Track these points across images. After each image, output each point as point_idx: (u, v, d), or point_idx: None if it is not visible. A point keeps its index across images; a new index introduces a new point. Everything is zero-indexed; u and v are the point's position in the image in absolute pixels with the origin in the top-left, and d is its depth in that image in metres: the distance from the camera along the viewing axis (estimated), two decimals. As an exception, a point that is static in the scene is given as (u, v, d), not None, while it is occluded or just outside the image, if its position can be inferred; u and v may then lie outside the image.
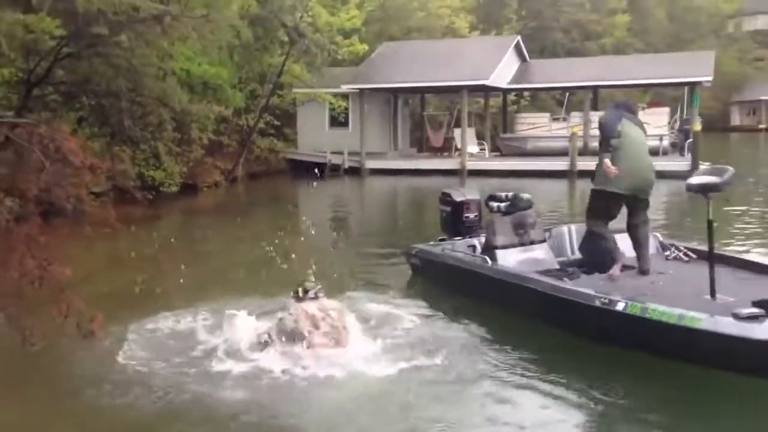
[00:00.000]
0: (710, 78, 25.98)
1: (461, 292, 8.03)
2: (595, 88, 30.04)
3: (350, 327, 6.45)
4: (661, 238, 8.03)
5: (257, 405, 5.30)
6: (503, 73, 28.17)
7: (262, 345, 6.17)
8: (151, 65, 16.75)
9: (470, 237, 8.88)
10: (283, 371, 5.78)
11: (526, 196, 8.67)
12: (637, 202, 7.12)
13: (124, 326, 6.96)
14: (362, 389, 5.55)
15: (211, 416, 5.17)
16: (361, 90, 27.28)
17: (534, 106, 40.28)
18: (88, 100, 16.30)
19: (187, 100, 17.72)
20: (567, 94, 33.89)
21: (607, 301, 6.07)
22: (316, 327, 6.09)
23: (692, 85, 26.63)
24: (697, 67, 26.79)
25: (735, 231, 11.14)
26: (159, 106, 16.38)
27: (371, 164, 26.81)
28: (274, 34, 24.15)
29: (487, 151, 28.90)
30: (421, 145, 31.48)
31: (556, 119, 30.14)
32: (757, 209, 14.70)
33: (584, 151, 25.80)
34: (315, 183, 22.21)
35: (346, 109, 28.31)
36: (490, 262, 7.71)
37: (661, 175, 22.94)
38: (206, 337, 6.66)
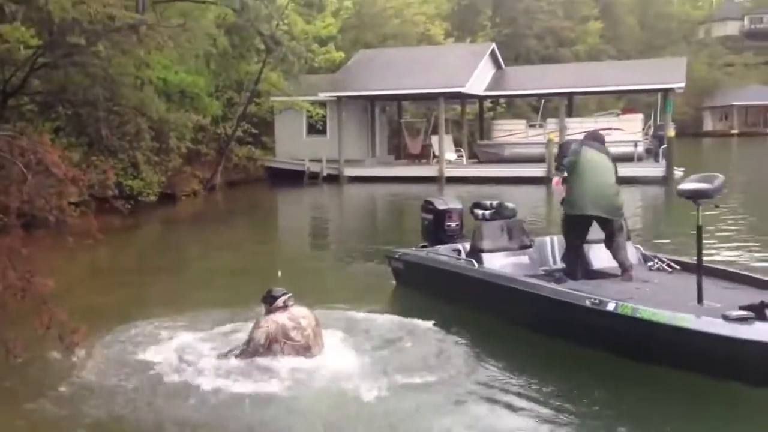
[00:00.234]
0: (683, 84, 26.39)
1: (446, 295, 8.07)
2: (570, 95, 30.36)
3: (325, 334, 6.39)
4: (643, 250, 8.00)
5: (224, 419, 5.22)
6: (479, 80, 28.39)
7: (234, 357, 6.09)
8: (127, 74, 16.71)
9: (453, 243, 8.93)
10: (254, 383, 5.67)
11: (510, 205, 8.77)
12: (604, 224, 7.20)
13: (103, 337, 6.91)
14: (337, 399, 5.47)
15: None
16: (339, 97, 27.34)
17: (510, 112, 40.64)
18: (64, 109, 16.22)
19: (165, 109, 17.70)
20: (543, 100, 34.22)
21: (597, 301, 6.08)
22: (287, 337, 6.02)
23: (665, 92, 27.01)
24: (669, 73, 27.20)
25: (711, 237, 11.41)
26: (136, 115, 16.35)
27: (349, 172, 26.86)
28: (251, 42, 24.16)
29: (464, 158, 29.08)
30: (398, 152, 31.58)
31: (532, 126, 30.41)
32: (731, 216, 14.92)
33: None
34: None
35: (324, 116, 28.34)
36: (476, 265, 7.76)
37: (636, 180, 23.58)
38: (178, 349, 6.52)
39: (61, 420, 5.36)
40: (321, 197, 24.05)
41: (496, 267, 7.70)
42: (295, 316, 6.10)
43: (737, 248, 11.33)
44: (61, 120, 16.89)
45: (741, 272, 7.01)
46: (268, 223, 18.79)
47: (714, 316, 5.40)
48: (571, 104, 31.36)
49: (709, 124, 73.93)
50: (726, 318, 5.28)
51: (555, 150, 25.04)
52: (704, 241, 6.02)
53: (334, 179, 26.61)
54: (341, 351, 6.30)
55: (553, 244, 8.46)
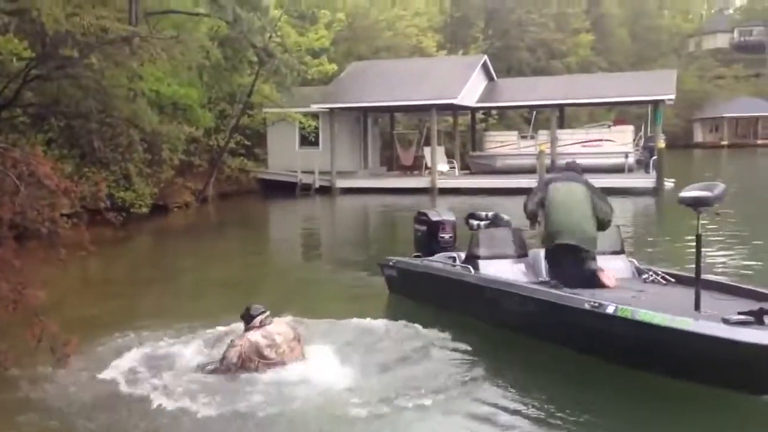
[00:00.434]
0: (673, 96, 26.60)
1: (442, 302, 8.08)
2: (561, 107, 30.54)
3: (311, 345, 6.37)
4: (637, 263, 7.93)
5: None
6: (471, 92, 28.54)
7: (208, 374, 6.08)
8: (120, 86, 16.75)
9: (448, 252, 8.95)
10: (226, 403, 5.54)
11: (505, 216, 8.82)
12: (577, 254, 7.10)
13: (93, 349, 6.87)
14: (311, 412, 5.38)
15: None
16: (331, 109, 27.43)
17: (502, 124, 40.82)
18: (57, 121, 16.24)
19: (157, 121, 17.72)
20: (534, 112, 34.39)
21: (596, 304, 6.09)
22: (261, 356, 6.01)
23: (655, 103, 27.21)
24: (659, 85, 27.41)
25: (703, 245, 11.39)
26: (129, 127, 16.37)
27: (342, 183, 26.92)
28: (244, 54, 24.26)
29: (456, 170, 29.18)
30: (391, 163, 31.68)
31: (524, 137, 30.55)
32: (721, 225, 15.01)
33: (552, 169, 26.16)
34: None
35: (316, 128, 28.42)
36: (473, 271, 7.78)
37: (627, 191, 23.63)
38: (155, 366, 6.42)
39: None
40: (313, 209, 24.07)
41: (492, 274, 7.66)
42: (270, 333, 6.09)
43: (727, 256, 11.45)
44: (53, 132, 16.90)
45: (736, 284, 6.99)
46: (260, 235, 18.79)
47: (713, 320, 5.41)
48: (562, 116, 31.55)
49: (699, 136, 74.38)
50: (726, 321, 5.30)
51: (547, 162, 25.40)
52: (693, 249, 6.04)
53: (326, 191, 26.65)
54: (324, 362, 6.21)
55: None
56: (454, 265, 8.24)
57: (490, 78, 31.52)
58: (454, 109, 30.11)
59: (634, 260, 8.05)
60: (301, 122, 27.86)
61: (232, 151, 26.60)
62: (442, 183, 26.04)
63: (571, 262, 7.12)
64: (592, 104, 34.70)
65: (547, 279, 7.55)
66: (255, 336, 6.07)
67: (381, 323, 7.62)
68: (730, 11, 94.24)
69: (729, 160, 49.75)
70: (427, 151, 28.01)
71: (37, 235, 6.33)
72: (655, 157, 25.10)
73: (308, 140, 28.57)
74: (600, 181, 21.45)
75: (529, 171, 25.60)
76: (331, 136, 27.39)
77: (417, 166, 28.88)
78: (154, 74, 19.05)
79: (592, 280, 6.98)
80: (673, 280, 7.32)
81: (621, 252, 7.96)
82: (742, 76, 79.28)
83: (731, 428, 5.39)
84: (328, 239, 17.81)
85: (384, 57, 36.84)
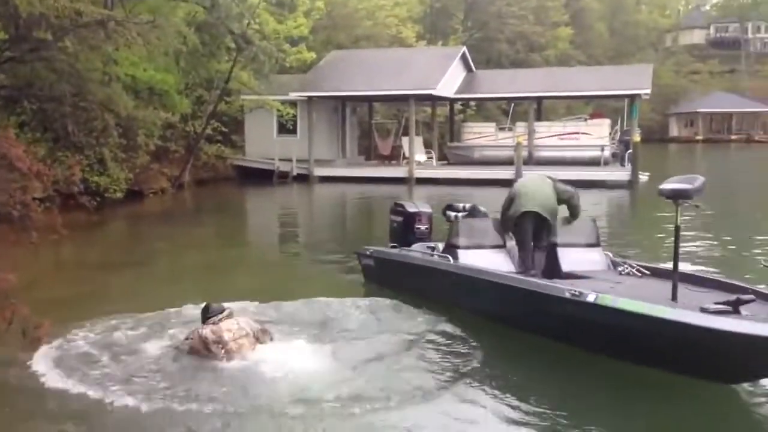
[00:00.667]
0: (648, 90, 26.81)
1: (420, 291, 8.10)
2: (539, 99, 30.72)
3: (270, 344, 6.38)
4: (612, 256, 8.02)
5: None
6: (450, 82, 28.56)
7: (161, 364, 6.12)
8: (95, 70, 16.53)
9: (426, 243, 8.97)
10: (164, 397, 5.47)
11: (482, 208, 8.86)
12: (541, 224, 7.73)
13: (63, 334, 6.78)
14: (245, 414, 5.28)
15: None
16: (310, 98, 27.31)
17: (480, 115, 40.90)
18: (30, 104, 15.99)
19: (133, 106, 17.51)
20: (512, 104, 34.53)
21: (577, 293, 6.14)
22: (208, 351, 6.11)
23: (632, 97, 27.42)
24: (636, 79, 27.63)
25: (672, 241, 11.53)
26: (104, 111, 16.16)
27: (320, 171, 26.85)
28: (222, 40, 24.00)
29: (434, 160, 29.22)
30: (369, 153, 31.63)
31: (501, 129, 30.66)
32: (695, 217, 15.20)
33: (529, 161, 26.35)
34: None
35: (294, 116, 28.28)
36: (452, 260, 7.80)
37: (602, 184, 23.79)
38: (117, 355, 6.37)
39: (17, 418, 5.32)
40: (290, 197, 24.00)
41: (471, 263, 7.70)
42: (219, 329, 6.20)
43: (699, 248, 11.61)
44: (26, 115, 16.63)
45: (710, 276, 7.11)
46: (236, 222, 18.71)
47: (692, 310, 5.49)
48: (540, 108, 31.70)
49: (674, 130, 75.18)
50: (705, 311, 5.39)
51: (524, 154, 25.55)
52: (666, 242, 6.11)
53: (303, 179, 26.58)
54: (279, 357, 6.12)
55: None
56: (434, 254, 8.27)
57: (468, 69, 31.55)
58: (433, 100, 30.12)
59: (609, 253, 8.13)
60: (279, 110, 27.70)
61: (209, 137, 26.39)
62: (420, 173, 26.07)
63: (534, 231, 7.72)
64: (569, 97, 34.89)
65: (520, 268, 7.65)
66: (205, 331, 6.22)
67: (354, 312, 7.63)
68: (707, 7, 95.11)
69: (703, 154, 50.34)
70: (405, 141, 28.01)
71: (8, 218, 6.26)
72: (630, 151, 25.34)
73: (286, 128, 28.44)
74: (576, 174, 21.86)
75: (507, 162, 25.72)
76: (309, 124, 27.29)
77: (395, 156, 28.88)
78: (129, 59, 18.80)
79: (553, 254, 7.61)
80: (648, 272, 7.39)
81: (597, 245, 8.04)
82: (717, 72, 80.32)
83: (706, 416, 5.48)
84: (305, 227, 17.78)
85: (363, 46, 36.70)
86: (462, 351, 6.52)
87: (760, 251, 11.69)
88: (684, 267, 6.98)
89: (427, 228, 9.14)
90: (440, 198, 18.11)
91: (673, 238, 6.00)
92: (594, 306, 5.96)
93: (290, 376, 5.79)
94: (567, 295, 6.19)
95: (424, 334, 6.92)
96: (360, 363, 6.10)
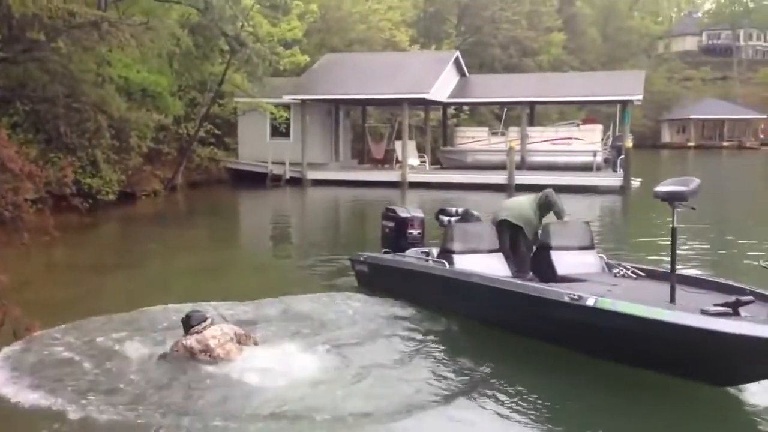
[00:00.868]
0: (640, 96, 26.91)
1: (416, 297, 8.06)
2: (532, 104, 30.78)
3: (254, 348, 6.35)
4: (606, 259, 8.06)
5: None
6: (443, 87, 28.60)
7: (144, 372, 6.06)
8: (88, 71, 16.50)
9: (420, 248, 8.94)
10: (146, 406, 5.39)
11: (475, 213, 8.87)
12: (514, 230, 8.26)
13: (52, 335, 6.71)
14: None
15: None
16: (303, 101, 27.31)
17: (473, 120, 40.98)
18: (22, 105, 15.93)
19: (126, 108, 17.47)
20: (505, 109, 34.60)
21: (576, 297, 6.12)
22: (195, 360, 6.09)
23: (624, 103, 27.52)
24: (628, 85, 27.73)
25: (665, 245, 11.64)
26: (96, 112, 16.12)
27: (313, 175, 26.83)
28: (215, 42, 23.99)
29: (427, 164, 29.24)
30: (362, 156, 31.65)
31: (494, 133, 30.70)
32: (686, 222, 15.28)
33: (522, 165, 26.42)
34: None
35: (288, 119, 28.26)
36: (447, 265, 7.78)
37: (595, 190, 23.84)
38: (101, 362, 6.25)
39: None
40: (283, 200, 23.98)
41: (466, 268, 7.68)
42: (204, 338, 6.18)
43: (692, 251, 11.65)
44: (19, 116, 16.56)
45: (706, 278, 7.12)
46: (229, 224, 18.68)
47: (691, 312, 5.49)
48: (533, 113, 31.78)
49: (666, 136, 75.50)
50: (705, 313, 5.39)
51: (516, 158, 25.60)
52: (661, 245, 6.13)
53: (296, 182, 26.55)
54: (264, 363, 6.09)
55: None
56: (429, 259, 8.26)
57: (462, 74, 31.62)
58: (426, 104, 30.16)
59: (604, 256, 8.16)
60: (272, 113, 27.68)
61: (202, 140, 26.34)
62: (413, 177, 26.08)
63: (509, 237, 8.24)
64: (562, 102, 35.02)
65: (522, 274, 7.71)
66: (189, 341, 6.20)
67: (345, 316, 7.62)
68: (699, 14, 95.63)
69: (695, 161, 50.56)
70: (398, 144, 28.03)
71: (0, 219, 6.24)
72: (622, 157, 25.42)
73: (279, 131, 28.42)
74: (568, 179, 21.84)
75: (499, 167, 25.77)
76: (303, 127, 27.27)
77: (388, 160, 28.90)
78: (122, 60, 18.78)
79: (548, 257, 7.87)
80: (643, 274, 7.42)
81: (591, 247, 8.06)
82: (709, 79, 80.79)
83: (705, 417, 5.50)
84: (298, 230, 17.76)
85: (357, 50, 36.74)
86: (457, 356, 6.52)
87: (754, 255, 11.69)
88: (680, 269, 7.02)
89: (419, 233, 9.09)
90: (433, 202, 18.15)
91: (669, 241, 6.00)
92: (593, 310, 5.95)
93: (280, 381, 5.76)
94: (566, 299, 6.19)
95: (418, 339, 6.91)
96: (350, 368, 6.07)
